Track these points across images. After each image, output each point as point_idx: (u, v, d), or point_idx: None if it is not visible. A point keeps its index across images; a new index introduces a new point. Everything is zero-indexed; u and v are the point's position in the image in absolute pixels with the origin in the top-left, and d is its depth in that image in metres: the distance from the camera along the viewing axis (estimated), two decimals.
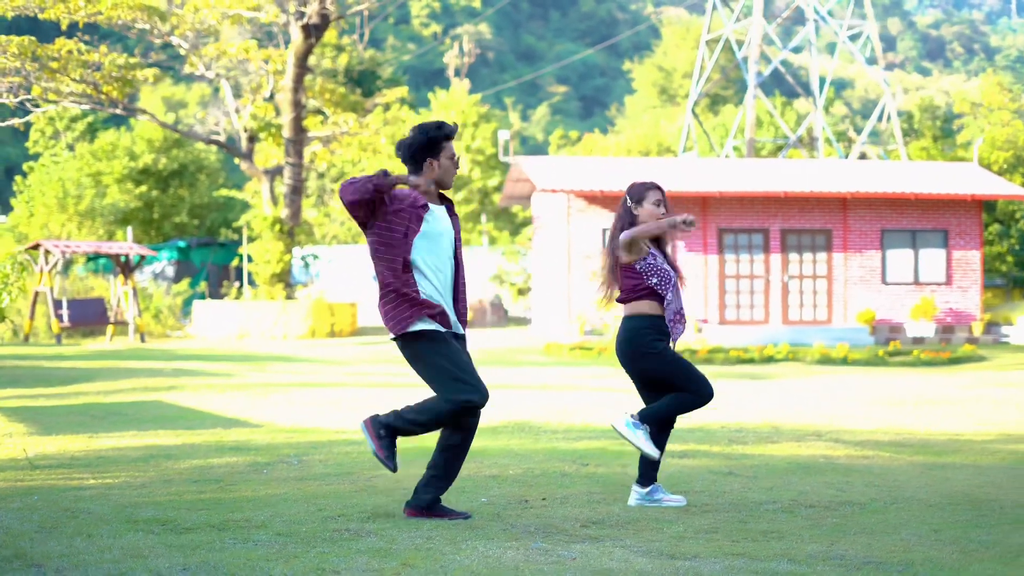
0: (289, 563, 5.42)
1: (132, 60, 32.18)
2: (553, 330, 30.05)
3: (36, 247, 28.98)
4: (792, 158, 40.23)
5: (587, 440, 10.30)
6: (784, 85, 55.99)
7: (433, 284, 6.77)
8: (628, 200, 7.38)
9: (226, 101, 35.45)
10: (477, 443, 10.13)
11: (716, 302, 29.57)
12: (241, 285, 36.31)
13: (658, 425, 7.33)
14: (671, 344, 7.30)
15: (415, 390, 14.61)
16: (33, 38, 30.74)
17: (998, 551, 6.09)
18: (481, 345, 28.90)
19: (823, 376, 20.78)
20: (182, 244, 41.36)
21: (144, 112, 34.40)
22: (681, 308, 7.33)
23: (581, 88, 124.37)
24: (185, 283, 36.13)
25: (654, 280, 7.18)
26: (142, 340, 29.62)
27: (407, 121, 46.37)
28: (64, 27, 32.76)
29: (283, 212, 33.57)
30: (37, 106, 32.98)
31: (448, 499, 7.18)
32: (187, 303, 36.19)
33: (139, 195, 45.44)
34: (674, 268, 7.38)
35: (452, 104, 45.72)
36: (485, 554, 5.72)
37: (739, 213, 29.74)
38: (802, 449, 10.08)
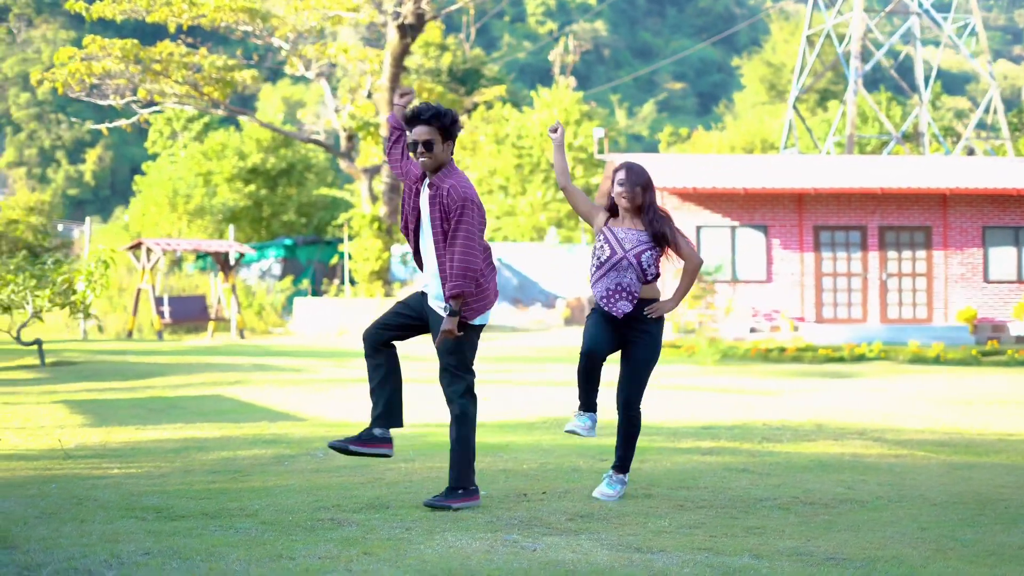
0: (251, 549, 5.62)
1: (231, 62, 32.87)
2: None
3: (138, 245, 29.78)
4: (896, 155, 39.65)
5: (611, 436, 10.36)
6: (889, 81, 55.13)
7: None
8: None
9: (326, 101, 35.97)
10: (504, 438, 10.29)
11: (812, 300, 29.27)
12: (341, 282, 36.87)
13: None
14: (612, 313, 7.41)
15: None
16: (136, 41, 31.62)
17: (973, 550, 6.07)
18: (571, 342, 28.99)
19: (908, 375, 20.50)
20: (288, 242, 42.09)
21: (245, 112, 35.10)
22: (615, 287, 7.36)
23: (698, 84, 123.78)
24: (288, 280, 36.80)
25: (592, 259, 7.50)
26: (241, 336, 30.25)
27: (509, 119, 46.64)
28: (172, 30, 33.58)
29: (381, 210, 34.01)
30: (143, 107, 33.86)
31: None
32: (290, 300, 36.87)
33: (248, 194, 46.33)
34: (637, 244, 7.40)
35: (555, 102, 45.86)
36: (451, 545, 5.86)
37: (835, 210, 29.40)
38: (834, 447, 10.04)
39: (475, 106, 44.68)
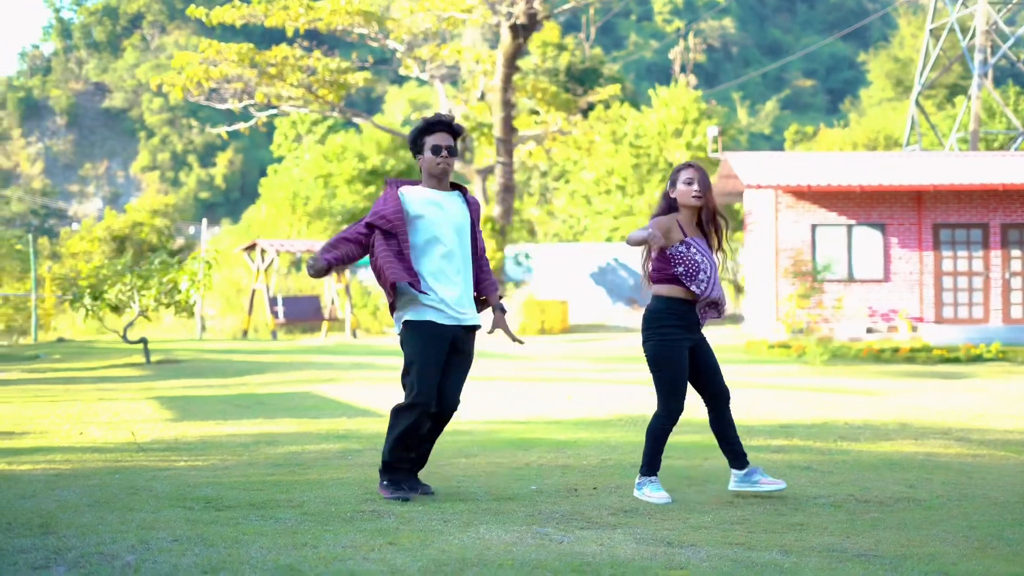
0: (280, 538, 5.75)
1: (344, 64, 33.35)
2: (761, 328, 29.76)
3: (253, 247, 30.38)
4: (1022, 151, 38.69)
5: (692, 434, 10.32)
6: (1019, 75, 53.73)
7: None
8: (668, 183, 7.44)
9: (439, 102, 36.29)
10: (574, 435, 10.34)
11: (932, 300, 28.72)
12: None
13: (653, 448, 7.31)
14: (698, 327, 7.33)
15: (583, 385, 14.85)
16: (251, 45, 32.25)
17: (1015, 548, 5.96)
18: None
19: (1022, 376, 20.04)
20: None
21: (360, 115, 35.59)
22: (715, 298, 7.32)
23: (828, 81, 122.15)
24: None
25: (680, 269, 7.17)
26: (353, 336, 30.69)
27: (627, 119, 46.54)
28: (290, 34, 34.18)
29: (495, 211, 34.21)
30: (260, 110, 34.54)
31: (507, 485, 7.46)
32: None
33: (367, 195, 46.94)
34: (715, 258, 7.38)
35: (673, 101, 45.66)
36: (480, 537, 5.92)
37: (956, 208, 28.81)
38: (911, 446, 9.88)
39: (589, 106, 44.64)
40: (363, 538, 5.82)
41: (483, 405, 12.84)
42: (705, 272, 7.20)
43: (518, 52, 33.81)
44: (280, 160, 59.63)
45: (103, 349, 22.27)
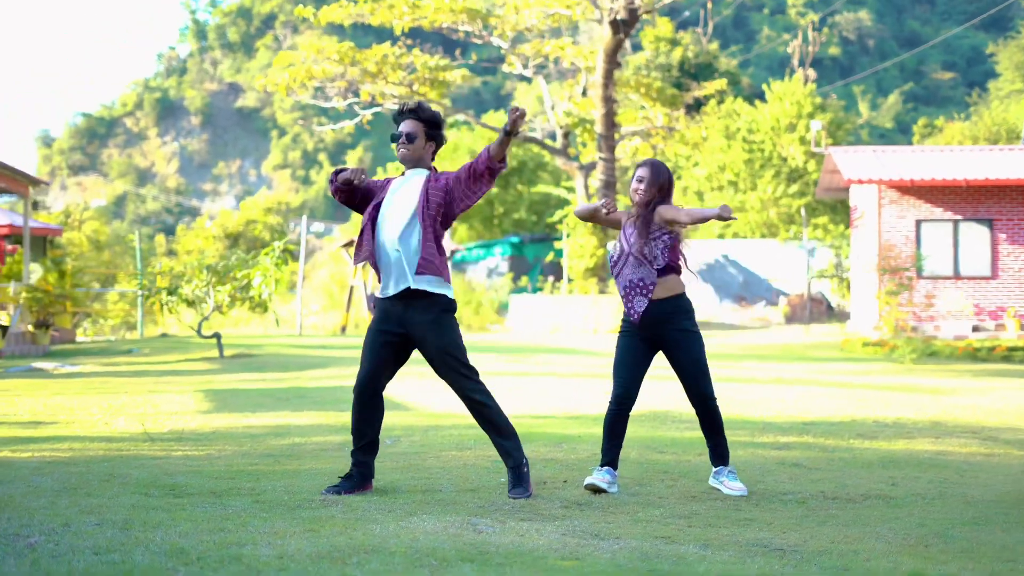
0: (206, 523, 5.94)
1: (443, 61, 33.66)
2: (864, 326, 29.32)
3: (351, 243, 30.86)
4: None
5: (697, 430, 10.33)
6: None
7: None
8: None
9: (542, 99, 36.41)
10: (582, 429, 10.38)
11: None
12: (559, 280, 37.26)
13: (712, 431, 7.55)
14: (650, 326, 7.40)
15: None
16: (352, 44, 32.74)
17: (951, 546, 5.92)
18: (787, 340, 28.62)
19: None
20: (515, 240, 42.78)
21: (462, 111, 35.90)
22: (632, 281, 7.40)
23: (969, 74, 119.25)
24: (508, 277, 37.42)
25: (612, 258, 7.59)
26: None
27: (741, 114, 46.13)
28: (396, 32, 34.58)
29: None
30: (364, 108, 35.05)
31: (477, 478, 7.57)
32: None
33: None
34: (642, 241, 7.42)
35: (787, 95, 45.10)
36: (405, 526, 6.03)
37: None
38: (927, 444, 9.73)
39: (696, 101, 44.30)
40: (288, 525, 5.97)
41: (522, 400, 12.91)
42: (611, 259, 7.50)
43: (619, 47, 33.76)
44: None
45: (195, 345, 22.85)
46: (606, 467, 7.42)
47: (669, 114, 35.88)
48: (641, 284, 7.37)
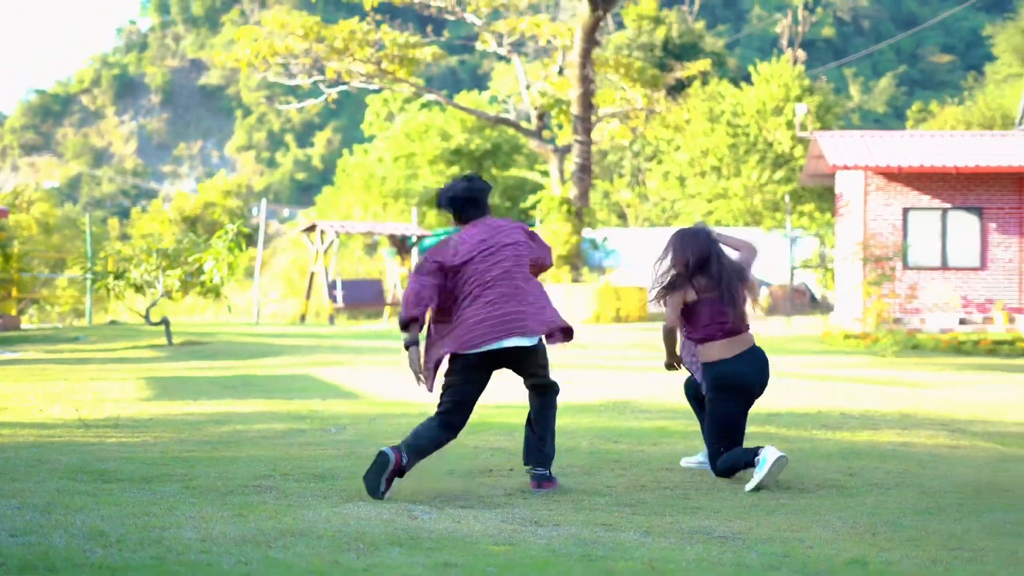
0: (127, 508, 6.06)
1: (412, 38, 33.73)
2: (847, 318, 29.50)
3: (312, 228, 30.90)
4: None
5: (665, 420, 10.48)
6: None
7: None
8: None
9: (517, 78, 36.56)
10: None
11: None
12: None
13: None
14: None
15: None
16: (318, 19, 32.77)
17: (900, 534, 6.10)
18: (767, 332, 28.76)
19: None
20: None
21: (432, 91, 35.99)
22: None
23: (967, 57, 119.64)
24: None
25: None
26: None
27: (726, 97, 46.29)
28: (367, 7, 34.59)
29: (571, 192, 34.31)
30: (330, 86, 35.08)
31: (424, 465, 7.69)
32: None
33: (451, 176, 47.34)
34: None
35: (774, 77, 45.31)
36: (339, 512, 6.16)
37: None
38: (891, 436, 9.88)
39: (679, 82, 44.40)
40: (216, 511, 6.09)
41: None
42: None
43: (597, 25, 33.86)
44: (371, 139, 60.29)
45: (144, 332, 22.88)
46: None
47: (649, 95, 36.02)
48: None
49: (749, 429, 10.13)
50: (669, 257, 7.83)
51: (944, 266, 28.25)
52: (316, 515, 6.04)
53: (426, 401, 11.99)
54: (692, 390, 8.16)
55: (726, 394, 7.72)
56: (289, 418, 10.23)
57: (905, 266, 27.84)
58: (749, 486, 7.36)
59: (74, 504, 6.10)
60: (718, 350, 7.73)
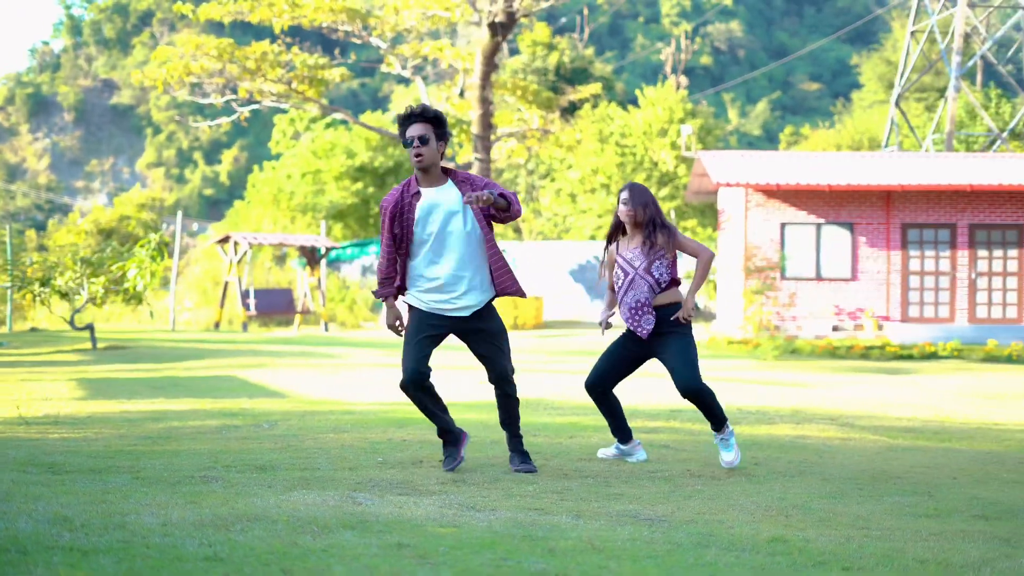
0: (82, 496, 5.96)
1: (321, 60, 33.56)
2: (729, 326, 29.89)
3: (226, 239, 30.61)
4: (1000, 153, 38.75)
5: (576, 416, 10.56)
6: (999, 77, 53.68)
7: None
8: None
9: (420, 99, 36.50)
10: (457, 415, 10.51)
11: (899, 299, 28.83)
12: None
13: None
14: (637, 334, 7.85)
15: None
16: (231, 40, 32.50)
17: (807, 517, 6.21)
18: None
19: (965, 373, 20.17)
20: None
21: (339, 110, 35.82)
22: (635, 304, 7.78)
23: (834, 85, 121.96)
24: None
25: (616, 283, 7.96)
26: (325, 329, 30.90)
27: (614, 119, 46.68)
28: (277, 31, 34.32)
29: None
30: (243, 105, 34.76)
31: (355, 457, 7.66)
32: None
33: (355, 192, 47.18)
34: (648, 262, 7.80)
35: (659, 100, 45.81)
36: (286, 500, 6.11)
37: (924, 208, 28.93)
38: (788, 430, 10.06)
39: (571, 105, 44.70)
40: (169, 498, 6.02)
41: (387, 389, 13.01)
42: (617, 284, 7.90)
43: (496, 50, 33.93)
44: (278, 157, 59.84)
45: (66, 338, 22.51)
46: (629, 442, 8.11)
47: (545, 116, 36.18)
48: (646, 303, 7.79)
49: (655, 423, 10.27)
50: (649, 204, 7.83)
51: (819, 277, 28.73)
52: (265, 502, 6.00)
53: (350, 399, 11.97)
54: (600, 387, 8.10)
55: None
56: (221, 415, 10.13)
57: (783, 277, 28.29)
58: (601, 453, 8.12)
59: (32, 493, 5.99)
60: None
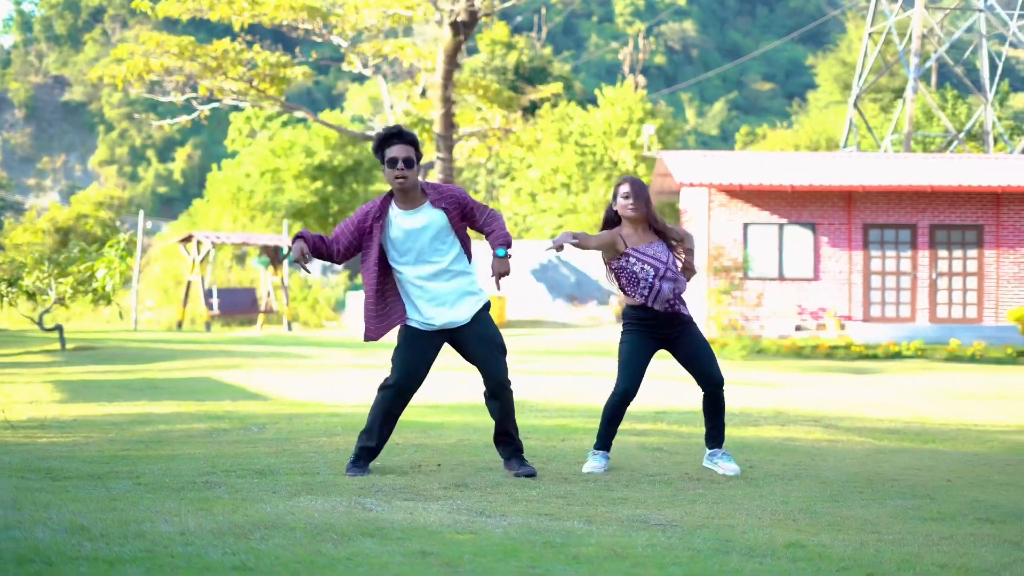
0: (91, 504, 5.90)
1: (283, 58, 33.41)
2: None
3: (189, 238, 30.40)
4: (958, 154, 39.14)
5: (563, 418, 10.56)
6: (955, 78, 54.23)
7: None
8: (612, 198, 7.95)
9: (377, 99, 36.44)
10: (444, 417, 10.51)
11: (860, 299, 29.04)
12: None
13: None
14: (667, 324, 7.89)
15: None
16: (192, 38, 32.29)
17: (815, 521, 6.21)
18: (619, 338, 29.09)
19: (931, 373, 20.37)
20: None
21: (299, 108, 35.66)
22: (675, 295, 7.85)
23: (787, 86, 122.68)
24: (344, 275, 37.28)
25: (623, 282, 7.81)
26: (288, 329, 30.76)
27: (575, 118, 46.74)
28: (237, 28, 34.13)
29: None
30: (203, 103, 34.53)
31: (336, 459, 7.60)
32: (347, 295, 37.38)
33: (315, 191, 47.00)
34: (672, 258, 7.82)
35: (619, 100, 45.90)
36: (296, 505, 6.07)
37: (885, 208, 29.16)
38: (775, 431, 10.11)
39: (532, 104, 44.73)
40: (178, 505, 5.96)
41: (366, 392, 12.97)
42: (647, 280, 7.72)
43: (458, 49, 33.89)
44: (234, 155, 59.51)
45: (33, 338, 22.29)
46: (602, 451, 7.88)
47: (506, 116, 36.18)
48: (681, 295, 7.93)
49: (643, 426, 10.29)
50: (648, 199, 7.83)
51: (781, 277, 28.89)
52: (275, 509, 5.95)
53: (333, 402, 11.91)
54: (636, 391, 8.00)
55: None
56: (207, 418, 10.06)
57: (746, 276, 28.43)
58: (588, 468, 7.80)
59: (39, 500, 5.92)
60: None
